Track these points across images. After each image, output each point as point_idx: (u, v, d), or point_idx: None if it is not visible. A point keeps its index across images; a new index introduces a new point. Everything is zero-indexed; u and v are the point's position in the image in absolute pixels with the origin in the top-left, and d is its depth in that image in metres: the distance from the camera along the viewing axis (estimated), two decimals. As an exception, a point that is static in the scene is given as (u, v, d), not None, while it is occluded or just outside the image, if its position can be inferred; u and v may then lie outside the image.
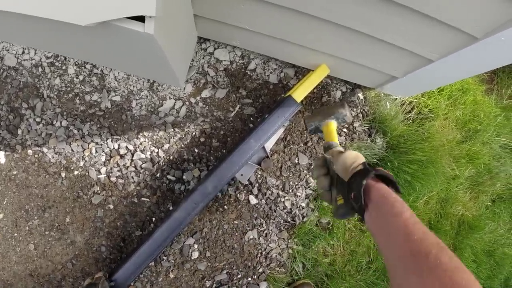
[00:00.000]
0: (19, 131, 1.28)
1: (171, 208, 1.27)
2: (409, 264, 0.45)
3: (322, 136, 1.31)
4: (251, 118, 1.31)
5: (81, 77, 1.28)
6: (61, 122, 1.27)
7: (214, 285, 1.31)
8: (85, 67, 1.28)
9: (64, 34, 1.03)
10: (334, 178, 0.71)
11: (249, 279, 1.33)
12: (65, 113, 1.28)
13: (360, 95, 1.35)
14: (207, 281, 1.30)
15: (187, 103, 1.30)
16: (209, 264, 1.30)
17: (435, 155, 1.38)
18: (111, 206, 1.26)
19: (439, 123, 1.48)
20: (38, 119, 1.27)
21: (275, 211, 1.32)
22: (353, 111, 1.34)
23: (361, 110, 1.36)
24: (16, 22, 1.06)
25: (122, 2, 0.74)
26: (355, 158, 0.67)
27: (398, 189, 0.59)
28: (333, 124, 0.92)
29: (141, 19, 0.82)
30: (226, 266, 1.31)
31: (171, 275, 1.28)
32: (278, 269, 1.35)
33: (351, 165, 0.65)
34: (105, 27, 0.84)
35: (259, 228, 1.31)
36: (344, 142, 1.34)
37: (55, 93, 1.28)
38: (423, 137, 1.39)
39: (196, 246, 1.28)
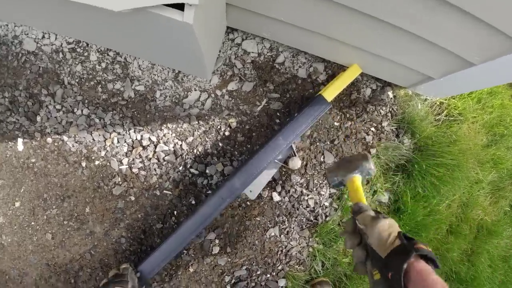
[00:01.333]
0: (38, 118, 1.24)
1: (193, 202, 1.24)
2: None
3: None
4: (278, 114, 1.27)
5: (103, 65, 1.24)
6: (82, 110, 1.23)
7: (233, 280, 1.30)
8: (108, 54, 1.24)
9: (93, 19, 0.98)
10: (369, 250, 0.66)
11: (268, 275, 1.32)
12: (86, 101, 1.24)
13: (390, 94, 1.31)
14: (226, 276, 1.29)
15: (212, 95, 1.26)
16: (229, 259, 1.28)
17: (462, 159, 1.35)
18: (132, 198, 1.24)
19: (466, 126, 1.44)
20: (58, 107, 1.23)
21: (297, 209, 1.30)
22: (382, 110, 1.31)
23: (390, 109, 1.32)
24: (40, 4, 1.01)
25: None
26: (390, 229, 0.63)
27: (437, 265, 0.56)
28: (358, 180, 0.84)
29: (177, 6, 0.77)
30: (246, 262, 1.30)
31: (191, 269, 1.26)
32: (297, 266, 1.34)
33: (387, 239, 0.60)
34: (140, 14, 0.79)
35: (281, 225, 1.29)
36: (371, 142, 1.30)
37: (76, 80, 1.24)
38: (451, 140, 1.35)
39: (217, 241, 1.26)
